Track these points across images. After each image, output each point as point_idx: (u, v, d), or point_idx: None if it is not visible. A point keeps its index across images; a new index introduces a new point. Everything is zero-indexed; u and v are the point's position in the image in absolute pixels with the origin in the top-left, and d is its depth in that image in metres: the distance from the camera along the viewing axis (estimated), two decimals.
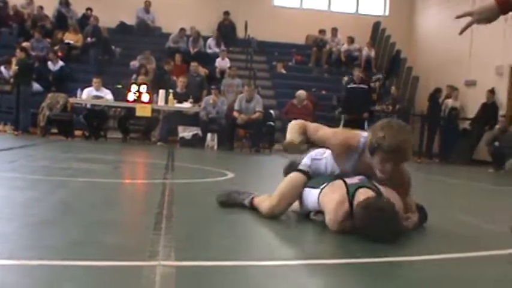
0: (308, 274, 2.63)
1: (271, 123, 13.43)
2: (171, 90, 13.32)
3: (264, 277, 2.50)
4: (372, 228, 3.10)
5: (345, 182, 3.40)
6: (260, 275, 2.53)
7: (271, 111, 13.78)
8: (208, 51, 17.05)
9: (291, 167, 3.95)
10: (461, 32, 2.92)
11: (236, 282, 2.34)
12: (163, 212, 3.80)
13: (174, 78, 14.48)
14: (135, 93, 12.94)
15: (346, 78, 15.77)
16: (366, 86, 14.19)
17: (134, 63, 15.51)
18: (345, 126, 12.57)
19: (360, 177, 3.45)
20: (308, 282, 2.48)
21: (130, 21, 17.94)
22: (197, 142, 12.82)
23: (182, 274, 2.35)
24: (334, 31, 18.38)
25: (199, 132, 12.95)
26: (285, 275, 2.56)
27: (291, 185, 3.72)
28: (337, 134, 3.65)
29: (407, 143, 3.27)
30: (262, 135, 13.18)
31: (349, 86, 14.34)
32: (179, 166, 8.12)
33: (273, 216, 3.69)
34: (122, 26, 17.99)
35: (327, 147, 3.66)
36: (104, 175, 6.37)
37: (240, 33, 18.11)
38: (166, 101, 13.09)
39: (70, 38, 16.29)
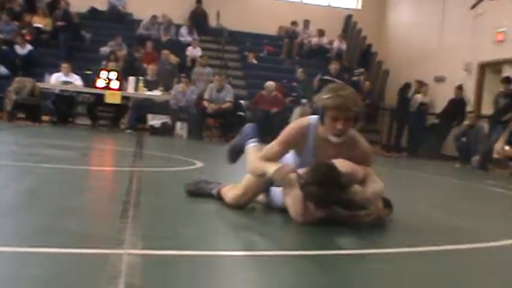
0: (274, 264, 2.65)
1: (242, 113, 13.44)
2: (141, 78, 13.23)
3: (231, 267, 2.51)
4: (315, 184, 3.21)
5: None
6: (227, 265, 2.55)
7: (242, 102, 13.78)
8: (180, 39, 16.95)
9: (235, 151, 4.19)
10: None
11: (203, 271, 2.35)
12: (130, 200, 3.78)
13: (145, 65, 14.38)
14: (104, 80, 12.82)
15: (318, 77, 15.73)
16: (341, 81, 14.12)
17: (105, 49, 15.36)
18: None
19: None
20: (274, 272, 2.50)
21: (102, 6, 17.72)
22: (166, 130, 12.76)
23: (148, 263, 2.35)
24: (306, 23, 18.43)
25: (169, 121, 12.89)
26: (251, 265, 2.58)
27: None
28: (285, 129, 3.69)
29: (350, 96, 3.43)
30: (232, 125, 13.17)
31: (324, 77, 14.29)
32: (148, 154, 8.09)
33: (238, 207, 3.70)
34: (93, 11, 17.76)
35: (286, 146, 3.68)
36: (72, 162, 6.31)
37: (212, 23, 18.03)
38: (136, 89, 12.99)
39: (39, 22, 16.02)
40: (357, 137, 3.64)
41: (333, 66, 14.27)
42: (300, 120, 3.71)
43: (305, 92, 14.00)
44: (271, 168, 3.46)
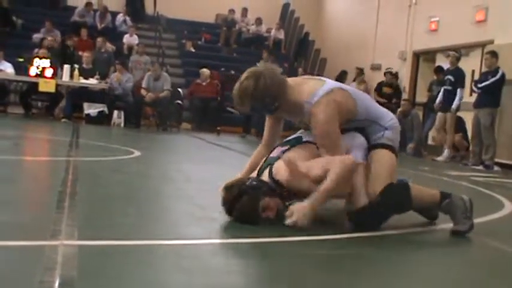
0: (210, 252, 2.65)
1: (179, 101, 13.35)
2: (76, 66, 12.95)
3: (169, 256, 2.49)
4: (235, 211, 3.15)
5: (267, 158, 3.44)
6: (165, 254, 2.52)
7: (180, 90, 13.69)
8: (117, 26, 16.67)
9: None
10: None
11: (140, 261, 2.32)
12: (66, 190, 3.71)
13: (80, 53, 14.08)
14: (37, 68, 12.48)
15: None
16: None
17: (37, 36, 14.95)
18: None
19: (284, 147, 3.43)
20: (209, 259, 2.49)
21: None
22: (103, 119, 12.55)
23: (85, 253, 2.31)
24: (244, 11, 18.42)
25: (106, 109, 12.68)
26: (188, 253, 2.56)
27: None
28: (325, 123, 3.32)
29: (235, 95, 3.36)
30: (170, 114, 13.08)
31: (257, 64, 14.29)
32: (84, 143, 7.94)
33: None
34: None
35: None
36: (4, 151, 6.12)
37: (149, 10, 17.80)
38: (71, 77, 12.71)
39: None
40: (315, 109, 3.29)
41: (265, 56, 14.29)
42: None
43: None
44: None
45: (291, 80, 3.45)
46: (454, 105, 10.57)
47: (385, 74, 14.04)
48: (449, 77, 10.74)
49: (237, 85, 3.36)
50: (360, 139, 3.46)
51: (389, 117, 3.57)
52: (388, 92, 13.76)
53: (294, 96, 3.35)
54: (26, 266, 2.11)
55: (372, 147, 3.44)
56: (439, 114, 11.02)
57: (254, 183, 3.19)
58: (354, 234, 3.11)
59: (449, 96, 10.65)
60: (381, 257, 2.82)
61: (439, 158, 10.92)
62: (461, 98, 10.54)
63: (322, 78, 3.68)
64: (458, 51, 11.22)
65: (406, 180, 3.47)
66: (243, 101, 3.34)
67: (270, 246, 2.83)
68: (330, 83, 3.46)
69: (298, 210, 3.04)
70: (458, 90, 10.49)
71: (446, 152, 10.93)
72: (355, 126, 3.48)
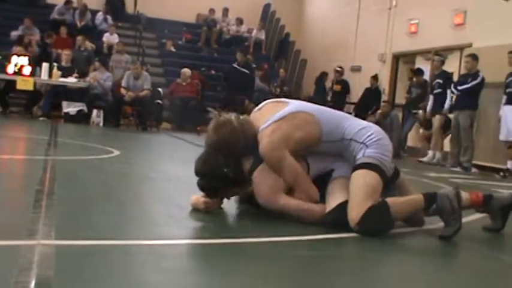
0: (189, 252, 2.64)
1: (159, 101, 13.29)
2: (55, 64, 12.84)
3: (148, 256, 2.47)
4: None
5: None
6: (145, 254, 2.50)
7: (160, 89, 13.64)
8: (97, 25, 16.55)
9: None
10: None
11: (118, 261, 2.30)
12: (44, 189, 3.67)
13: (59, 51, 13.97)
14: (15, 65, 12.35)
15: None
16: (247, 71, 14.09)
17: (15, 34, 14.79)
18: (226, 105, 12.75)
19: None
20: (188, 259, 2.49)
21: None
22: (82, 118, 12.46)
23: (62, 253, 2.29)
24: (225, 11, 18.40)
25: (85, 108, 12.58)
26: (167, 253, 2.55)
27: None
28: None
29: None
30: (149, 113, 13.02)
31: (233, 65, 14.31)
32: (62, 142, 7.87)
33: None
34: None
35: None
36: None
37: (130, 9, 17.71)
38: (50, 75, 12.60)
39: None
40: (261, 144, 3.32)
41: (240, 57, 14.17)
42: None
43: None
44: None
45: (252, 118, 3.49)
46: (447, 106, 10.60)
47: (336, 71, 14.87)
48: (438, 80, 10.75)
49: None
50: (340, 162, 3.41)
51: (367, 132, 3.39)
52: (338, 90, 14.53)
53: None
54: (1, 266, 2.08)
55: (353, 169, 3.31)
56: (433, 119, 10.99)
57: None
58: (335, 235, 3.11)
59: (440, 100, 10.65)
60: (362, 257, 2.83)
61: (425, 159, 10.99)
62: (452, 99, 10.59)
63: (284, 101, 3.59)
64: (443, 55, 11.26)
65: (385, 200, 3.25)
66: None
67: (251, 247, 2.82)
68: (286, 110, 3.41)
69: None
70: (448, 91, 10.52)
71: (431, 153, 10.99)
72: (335, 149, 3.40)
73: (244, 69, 13.70)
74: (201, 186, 3.40)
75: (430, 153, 11.04)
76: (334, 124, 3.40)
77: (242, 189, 3.46)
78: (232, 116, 3.40)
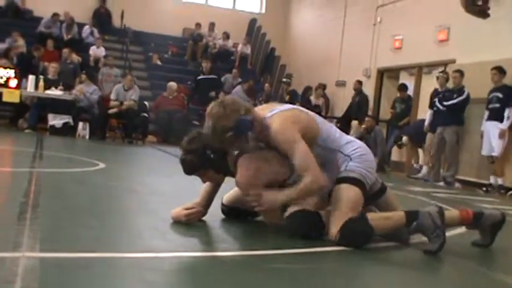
0: (172, 265, 2.66)
1: (145, 114, 13.30)
2: (41, 76, 12.83)
3: (132, 269, 2.49)
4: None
5: None
6: (128, 267, 2.52)
7: (146, 103, 13.65)
8: (84, 38, 16.56)
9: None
10: None
11: (102, 274, 2.32)
12: (29, 201, 3.68)
13: (46, 64, 13.96)
14: (1, 78, 12.33)
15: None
16: (216, 76, 14.78)
17: (1, 47, 14.76)
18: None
19: None
20: (171, 272, 2.51)
21: None
22: (68, 131, 12.44)
23: (46, 266, 2.30)
24: (212, 25, 18.46)
25: (71, 121, 12.57)
26: (150, 266, 2.56)
27: None
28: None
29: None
30: (135, 126, 13.02)
31: (198, 78, 14.72)
32: (48, 155, 7.86)
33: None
34: None
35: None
36: None
37: (116, 22, 17.75)
38: (36, 87, 12.59)
39: None
40: (272, 126, 3.30)
41: (205, 65, 14.92)
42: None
43: None
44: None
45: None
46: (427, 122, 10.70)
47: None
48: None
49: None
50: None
51: (352, 146, 3.48)
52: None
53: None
54: None
55: (336, 181, 3.36)
56: (429, 134, 11.05)
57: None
58: (316, 249, 3.15)
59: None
60: (343, 271, 2.87)
61: (419, 175, 11.03)
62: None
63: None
64: (445, 72, 11.16)
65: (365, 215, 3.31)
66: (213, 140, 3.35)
67: (235, 260, 2.85)
68: (288, 105, 3.52)
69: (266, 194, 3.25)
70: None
71: (424, 169, 11.05)
72: (323, 156, 3.41)
73: (212, 76, 14.21)
74: (182, 160, 3.49)
75: (425, 168, 11.05)
76: (327, 132, 3.48)
77: (218, 178, 3.52)
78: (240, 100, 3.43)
